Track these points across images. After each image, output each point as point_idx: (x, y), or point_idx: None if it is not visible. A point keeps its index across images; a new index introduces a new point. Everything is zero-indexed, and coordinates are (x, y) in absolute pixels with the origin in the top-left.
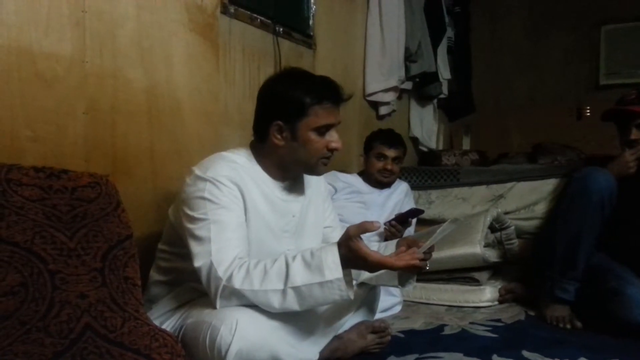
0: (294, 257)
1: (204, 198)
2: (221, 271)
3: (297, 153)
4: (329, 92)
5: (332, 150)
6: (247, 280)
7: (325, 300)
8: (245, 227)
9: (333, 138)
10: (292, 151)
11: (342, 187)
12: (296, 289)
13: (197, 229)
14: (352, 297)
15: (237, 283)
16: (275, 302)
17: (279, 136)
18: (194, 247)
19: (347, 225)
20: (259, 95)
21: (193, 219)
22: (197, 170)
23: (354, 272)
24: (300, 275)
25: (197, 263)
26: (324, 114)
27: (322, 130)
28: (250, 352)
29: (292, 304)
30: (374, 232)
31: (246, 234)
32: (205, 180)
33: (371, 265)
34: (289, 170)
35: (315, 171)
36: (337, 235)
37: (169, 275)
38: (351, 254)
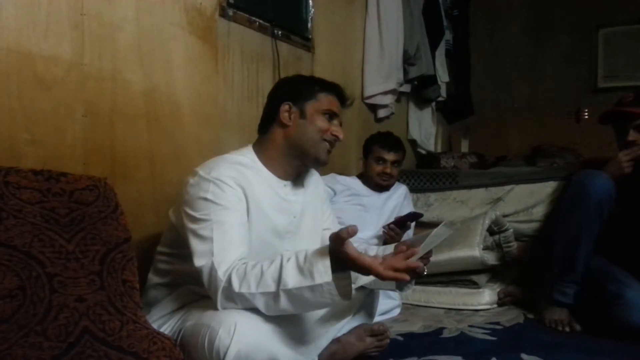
0: (288, 259)
1: (206, 199)
2: (221, 273)
3: (305, 131)
4: (336, 88)
5: (335, 137)
6: (245, 284)
7: (318, 303)
8: (247, 229)
9: (337, 127)
10: (300, 130)
11: (341, 189)
12: (288, 291)
13: (200, 229)
14: (345, 300)
15: (236, 286)
16: (271, 304)
17: (287, 115)
18: (196, 245)
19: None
20: (272, 89)
21: (195, 219)
22: (201, 171)
23: (353, 274)
24: (292, 278)
25: (199, 262)
26: (330, 101)
27: (328, 114)
28: (248, 355)
29: (286, 306)
30: (372, 235)
31: (248, 235)
32: (208, 181)
33: (360, 269)
34: (292, 159)
35: (318, 154)
36: None
37: (168, 278)
38: (342, 258)
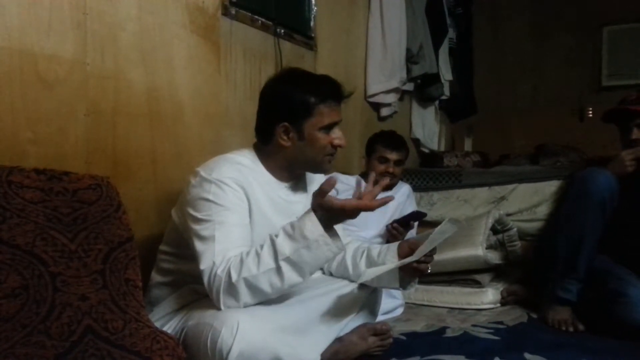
0: (277, 235)
1: (208, 200)
2: (220, 270)
3: (305, 152)
4: (331, 90)
5: (336, 147)
6: (245, 269)
7: (318, 260)
8: (249, 229)
9: (337, 135)
10: (300, 151)
11: (343, 189)
12: (287, 259)
13: (202, 229)
14: (342, 247)
15: (235, 275)
16: (275, 281)
17: (285, 137)
18: (199, 247)
19: (349, 227)
20: (262, 98)
21: (197, 220)
22: (202, 172)
23: (355, 274)
24: (287, 247)
25: (202, 265)
26: (328, 113)
27: (327, 129)
28: (251, 354)
29: (290, 277)
30: (375, 234)
31: (250, 235)
32: (210, 181)
33: (349, 213)
34: (295, 170)
35: (321, 168)
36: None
37: (171, 277)
38: (328, 212)
